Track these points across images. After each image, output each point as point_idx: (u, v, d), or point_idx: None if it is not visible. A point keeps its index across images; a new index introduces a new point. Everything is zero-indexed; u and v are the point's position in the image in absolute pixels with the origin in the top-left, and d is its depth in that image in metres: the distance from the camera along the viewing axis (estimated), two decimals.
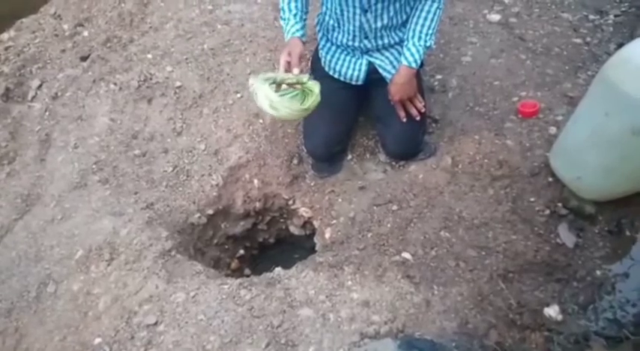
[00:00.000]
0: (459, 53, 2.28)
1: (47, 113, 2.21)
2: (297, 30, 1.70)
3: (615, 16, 2.36)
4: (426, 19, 1.64)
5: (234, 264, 2.17)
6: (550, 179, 1.66)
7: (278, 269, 1.68)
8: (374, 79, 1.83)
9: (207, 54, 2.27)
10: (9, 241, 1.80)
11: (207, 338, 1.35)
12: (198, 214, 1.92)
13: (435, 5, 1.63)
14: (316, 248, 1.88)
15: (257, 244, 2.28)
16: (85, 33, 2.57)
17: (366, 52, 1.80)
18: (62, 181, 1.91)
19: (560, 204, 1.59)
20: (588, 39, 2.26)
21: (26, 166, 2.02)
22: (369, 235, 1.67)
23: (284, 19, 1.72)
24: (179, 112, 2.11)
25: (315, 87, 1.58)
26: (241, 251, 2.21)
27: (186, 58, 2.25)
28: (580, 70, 2.12)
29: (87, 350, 1.41)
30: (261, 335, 1.34)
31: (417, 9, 1.66)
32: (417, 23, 1.65)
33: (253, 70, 2.19)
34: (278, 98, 1.49)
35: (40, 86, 2.39)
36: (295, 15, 1.70)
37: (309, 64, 2.06)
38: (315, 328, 1.36)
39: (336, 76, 1.88)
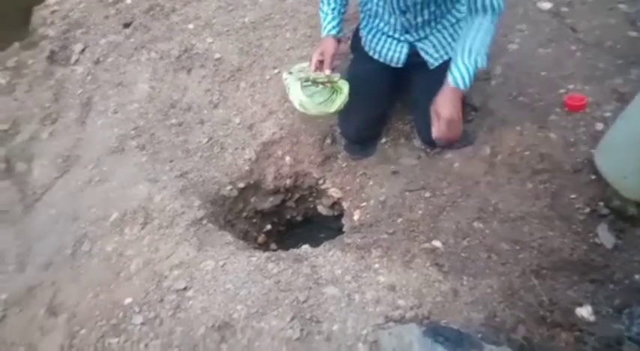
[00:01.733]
0: (506, 40, 2.20)
1: (89, 77, 2.26)
2: (334, 27, 1.72)
3: None
4: (476, 35, 1.47)
5: (261, 238, 2.20)
6: (593, 177, 1.60)
7: (306, 246, 1.69)
8: (414, 63, 1.78)
9: (247, 27, 2.26)
10: (48, 199, 1.86)
11: (234, 307, 1.37)
12: (229, 187, 1.94)
13: (488, 20, 1.47)
14: (344, 229, 1.88)
15: (284, 220, 2.30)
16: (128, 0, 2.60)
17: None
18: (101, 144, 1.96)
19: (601, 203, 1.53)
20: None
21: (67, 127, 2.08)
22: (399, 220, 1.66)
23: (322, 12, 1.74)
24: (217, 84, 2.12)
25: (344, 86, 1.64)
26: (268, 226, 2.24)
27: (227, 31, 2.25)
28: (633, 66, 2.02)
29: (118, 309, 1.46)
30: (287, 309, 1.35)
31: (468, 24, 1.51)
32: (467, 38, 1.48)
33: (292, 46, 2.18)
34: (308, 99, 1.58)
35: (83, 51, 2.43)
36: (334, 9, 1.72)
37: (349, 42, 2.02)
38: (340, 307, 1.37)
39: (375, 56, 1.84)
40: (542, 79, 2.01)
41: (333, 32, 1.71)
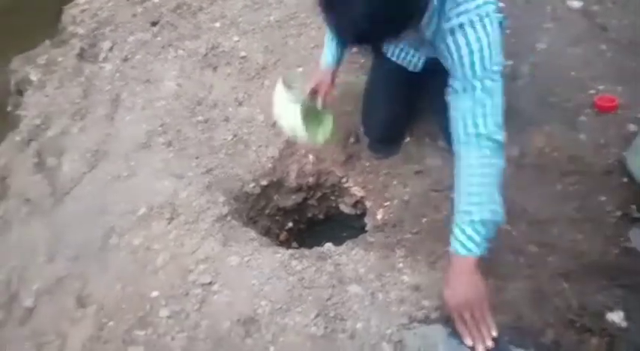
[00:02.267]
0: (534, 39, 2.16)
1: (117, 74, 2.30)
2: (333, 57, 1.66)
3: None
4: (469, 184, 1.13)
5: (283, 236, 2.21)
6: (624, 179, 1.57)
7: (329, 245, 1.70)
8: (433, 70, 1.61)
9: (272, 26, 2.27)
10: (78, 193, 1.90)
11: (258, 302, 1.38)
12: (253, 184, 1.95)
13: (480, 171, 1.12)
14: (366, 228, 1.88)
15: (306, 218, 2.30)
16: None
17: None
18: (129, 140, 1.99)
19: (633, 206, 1.50)
20: None
21: (96, 123, 2.12)
22: (424, 220, 1.64)
23: (327, 39, 1.67)
24: (242, 82, 2.14)
25: (330, 121, 1.69)
26: (290, 224, 2.24)
27: (253, 29, 2.27)
28: None
29: (145, 301, 1.48)
30: (311, 306, 1.36)
31: (457, 169, 1.18)
32: (457, 191, 1.16)
33: (317, 45, 2.18)
34: (302, 126, 1.55)
35: (111, 48, 2.48)
36: (330, 46, 1.67)
37: None
38: (364, 306, 1.37)
39: (393, 59, 1.73)
40: (572, 79, 1.97)
41: (332, 63, 1.66)
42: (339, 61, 1.68)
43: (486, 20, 1.11)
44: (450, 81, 1.19)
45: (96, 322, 1.50)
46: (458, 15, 1.12)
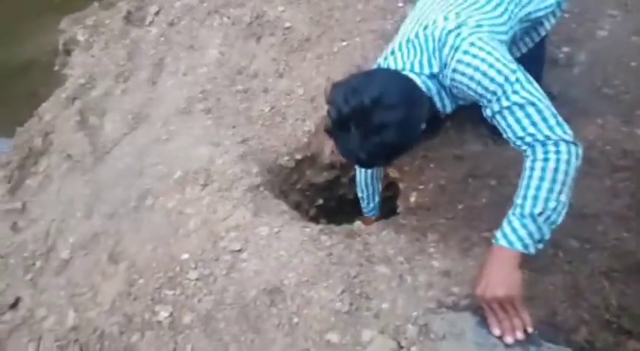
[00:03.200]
0: (595, 26, 2.03)
1: (162, 39, 2.32)
2: (369, 211, 1.85)
3: None
4: (529, 181, 1.07)
5: (312, 212, 2.21)
6: None
7: (358, 223, 1.68)
8: None
9: None
10: (117, 153, 1.95)
11: (285, 274, 1.38)
12: (287, 157, 1.94)
13: (541, 165, 1.05)
14: (398, 211, 1.84)
15: (336, 197, 2.29)
16: None
17: None
18: (170, 104, 2.02)
19: None
20: None
21: (139, 86, 2.15)
22: (460, 206, 1.59)
23: (359, 196, 1.84)
24: (284, 54, 2.11)
25: None
26: (320, 201, 2.23)
27: None
28: None
29: (175, 263, 1.51)
30: (337, 281, 1.35)
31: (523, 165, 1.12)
32: (519, 186, 1.10)
33: (363, 19, 2.12)
34: None
35: (157, 12, 2.49)
36: (362, 199, 1.83)
37: None
38: (391, 287, 1.35)
39: None
40: (632, 70, 1.85)
41: (370, 214, 1.86)
42: (374, 210, 1.86)
43: (478, 43, 1.11)
44: (484, 111, 1.15)
45: (127, 278, 1.54)
46: (452, 57, 1.13)
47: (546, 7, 1.39)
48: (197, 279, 1.44)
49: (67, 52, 2.56)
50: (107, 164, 1.94)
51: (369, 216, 1.86)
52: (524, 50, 1.56)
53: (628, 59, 1.89)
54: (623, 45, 1.94)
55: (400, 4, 2.12)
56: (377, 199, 1.83)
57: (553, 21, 1.49)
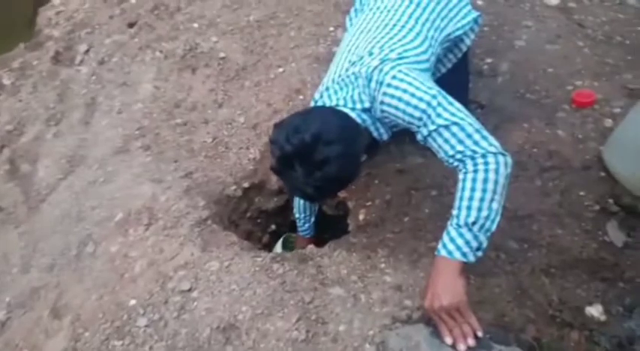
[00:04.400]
0: (513, 36, 2.18)
1: (94, 77, 2.26)
2: (304, 231, 1.93)
3: None
4: (462, 193, 1.12)
5: (266, 239, 2.19)
6: (602, 174, 1.58)
7: (310, 246, 1.68)
8: None
9: (252, 26, 2.25)
10: (53, 200, 1.86)
11: (239, 308, 1.36)
12: (234, 187, 1.92)
13: (471, 176, 1.10)
14: (349, 229, 1.86)
15: (289, 221, 2.28)
16: (133, 0, 2.59)
17: None
18: (106, 144, 1.95)
19: (611, 200, 1.51)
20: None
21: (72, 128, 2.08)
22: (406, 219, 1.63)
23: (296, 212, 1.92)
24: (221, 84, 2.11)
25: None
26: (273, 227, 2.22)
27: (232, 29, 2.24)
28: None
29: (122, 310, 1.45)
30: (293, 310, 1.34)
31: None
32: (454, 199, 1.15)
33: (297, 45, 2.16)
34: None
35: (87, 51, 2.43)
36: (299, 219, 1.90)
37: None
38: (346, 308, 1.35)
39: None
40: (550, 76, 1.99)
41: (306, 234, 1.94)
42: (308, 229, 1.93)
43: (399, 75, 1.18)
44: (416, 136, 1.22)
45: (72, 333, 1.45)
46: (379, 91, 1.21)
47: (464, 26, 1.48)
48: (146, 325, 1.38)
49: None
50: (42, 213, 1.84)
51: (304, 236, 1.95)
52: (449, 66, 1.64)
53: (545, 66, 2.03)
54: (540, 53, 2.09)
55: (331, 29, 2.18)
56: (312, 219, 1.91)
57: (472, 36, 1.59)
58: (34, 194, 1.90)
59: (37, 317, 1.53)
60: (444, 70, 1.65)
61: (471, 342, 1.10)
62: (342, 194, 2.00)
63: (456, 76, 1.68)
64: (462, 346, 1.10)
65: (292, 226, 2.28)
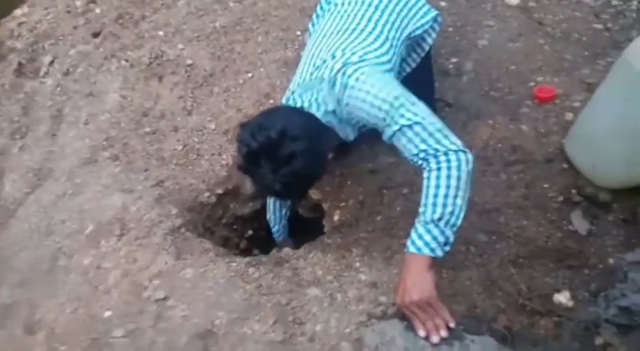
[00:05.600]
0: (476, 36, 2.23)
1: (59, 89, 2.22)
2: (277, 233, 1.99)
3: None
4: (427, 191, 1.16)
5: (243, 244, 2.18)
6: (565, 166, 1.64)
7: (286, 249, 1.68)
8: None
9: (218, 32, 2.25)
10: (21, 214, 1.82)
11: (215, 314, 1.35)
12: (207, 193, 1.92)
13: (435, 174, 1.13)
14: (325, 231, 1.88)
15: (266, 225, 2.28)
16: (97, 10, 2.56)
17: None
18: (73, 156, 1.92)
19: (574, 191, 1.56)
20: (609, 25, 2.20)
21: (38, 141, 2.04)
22: (379, 218, 1.66)
23: (270, 220, 1.98)
24: (189, 91, 2.10)
25: None
26: (250, 232, 2.22)
27: (198, 36, 2.23)
28: (599, 57, 2.07)
29: (97, 323, 1.43)
30: (269, 312, 1.34)
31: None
32: (421, 196, 1.18)
33: (265, 50, 2.17)
34: None
35: (52, 62, 2.39)
36: (271, 220, 1.95)
37: None
38: (323, 307, 1.36)
39: None
40: (513, 73, 2.05)
41: (279, 236, 2.00)
42: (283, 232, 1.98)
43: (362, 77, 1.21)
44: (383, 136, 1.25)
45: (47, 348, 1.43)
46: (343, 93, 1.23)
47: (423, 25, 1.52)
48: (123, 336, 1.37)
49: None
50: (11, 228, 1.80)
51: (277, 238, 1.99)
52: (413, 65, 1.68)
53: (508, 63, 2.09)
54: (502, 51, 2.15)
55: (298, 33, 2.20)
56: (283, 222, 1.95)
57: (434, 35, 1.63)
58: (1, 210, 1.86)
59: (10, 335, 1.50)
60: (408, 70, 1.69)
61: (444, 333, 1.13)
62: (316, 196, 2.02)
63: (420, 75, 1.72)
64: (434, 338, 1.13)
65: (269, 231, 2.29)
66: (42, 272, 1.65)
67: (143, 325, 1.39)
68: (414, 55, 1.66)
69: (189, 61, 2.14)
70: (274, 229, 1.97)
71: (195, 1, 2.41)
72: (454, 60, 2.15)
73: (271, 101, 2.03)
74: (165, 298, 1.43)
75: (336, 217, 1.82)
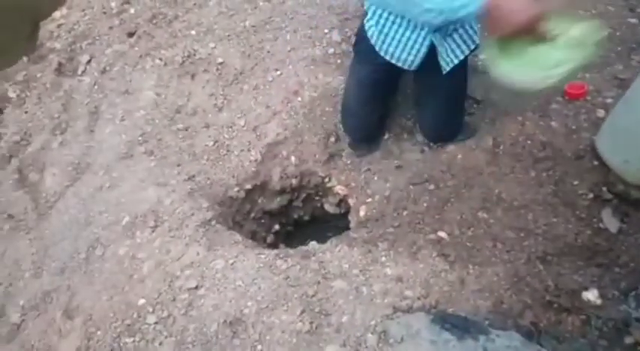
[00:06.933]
0: None
1: (96, 87, 2.31)
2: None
3: None
4: None
5: (270, 239, 2.23)
6: (595, 163, 1.61)
7: (313, 243, 1.72)
8: (423, 63, 1.60)
9: (248, 31, 2.29)
10: (61, 206, 1.91)
11: (244, 303, 1.40)
12: (236, 188, 1.97)
13: None
14: (350, 226, 1.90)
15: (292, 220, 2.32)
16: (132, 10, 2.65)
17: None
18: (110, 151, 2.00)
19: (604, 188, 1.54)
20: None
21: (77, 136, 2.13)
22: (405, 213, 1.67)
23: None
24: (220, 88, 2.16)
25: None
26: (277, 227, 2.26)
27: (229, 35, 2.28)
28: (634, 52, 2.02)
29: (132, 310, 1.49)
30: (296, 303, 1.38)
31: None
32: None
33: (293, 48, 2.21)
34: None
35: (89, 61, 2.48)
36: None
37: (354, 43, 1.96)
38: (349, 300, 1.39)
39: (387, 58, 1.63)
40: None
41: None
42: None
43: None
44: None
45: (84, 333, 1.50)
46: None
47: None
48: (156, 322, 1.43)
49: None
50: (51, 219, 1.89)
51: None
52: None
53: None
54: None
55: (326, 31, 2.22)
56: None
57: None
58: (42, 201, 1.95)
59: (51, 319, 1.58)
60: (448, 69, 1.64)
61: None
62: (342, 192, 2.05)
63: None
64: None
65: (296, 225, 2.33)
66: (80, 261, 1.73)
67: (175, 312, 1.45)
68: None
69: (220, 60, 2.20)
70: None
71: (226, 0, 2.46)
72: (483, 56, 2.13)
73: (299, 99, 2.06)
74: (196, 287, 1.48)
75: (362, 213, 1.84)
